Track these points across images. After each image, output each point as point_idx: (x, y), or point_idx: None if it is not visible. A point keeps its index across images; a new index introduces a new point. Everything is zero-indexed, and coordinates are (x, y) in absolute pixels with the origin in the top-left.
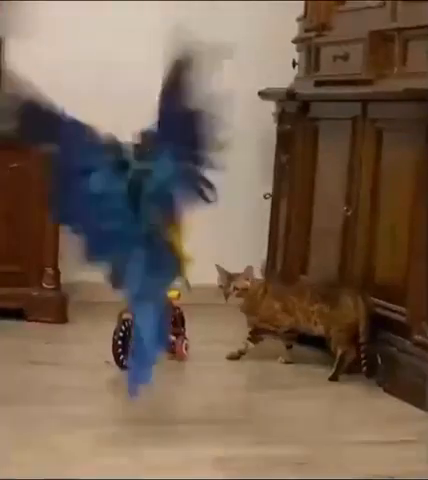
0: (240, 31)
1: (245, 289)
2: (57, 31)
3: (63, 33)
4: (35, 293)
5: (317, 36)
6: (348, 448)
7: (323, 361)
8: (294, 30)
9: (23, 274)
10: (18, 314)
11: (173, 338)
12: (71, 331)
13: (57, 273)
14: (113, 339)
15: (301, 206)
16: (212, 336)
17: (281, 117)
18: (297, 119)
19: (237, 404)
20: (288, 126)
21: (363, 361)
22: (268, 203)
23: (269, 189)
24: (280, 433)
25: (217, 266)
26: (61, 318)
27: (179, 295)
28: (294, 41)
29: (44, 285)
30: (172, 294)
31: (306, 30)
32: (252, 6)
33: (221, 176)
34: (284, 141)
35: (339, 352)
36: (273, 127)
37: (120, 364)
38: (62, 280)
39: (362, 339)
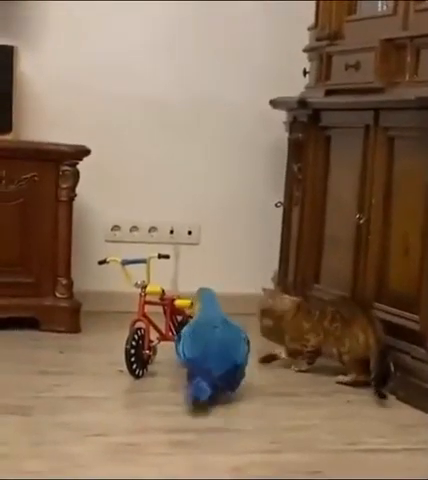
0: (252, 40)
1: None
2: (67, 38)
3: (73, 39)
4: (48, 303)
5: (329, 45)
6: (362, 456)
7: (337, 370)
8: (305, 39)
9: (36, 284)
10: (31, 324)
11: None
12: (84, 340)
13: (70, 283)
14: (126, 348)
15: (313, 214)
16: None
17: (292, 126)
18: (308, 128)
19: (251, 412)
20: (299, 135)
21: (376, 391)
22: (280, 211)
23: (280, 197)
24: (294, 441)
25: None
26: (74, 327)
27: (192, 304)
28: (305, 50)
29: (57, 295)
30: (184, 303)
31: (317, 39)
32: (263, 16)
33: (235, 183)
34: (295, 150)
35: (351, 377)
36: (284, 136)
37: (133, 373)
38: (75, 290)
39: (373, 375)
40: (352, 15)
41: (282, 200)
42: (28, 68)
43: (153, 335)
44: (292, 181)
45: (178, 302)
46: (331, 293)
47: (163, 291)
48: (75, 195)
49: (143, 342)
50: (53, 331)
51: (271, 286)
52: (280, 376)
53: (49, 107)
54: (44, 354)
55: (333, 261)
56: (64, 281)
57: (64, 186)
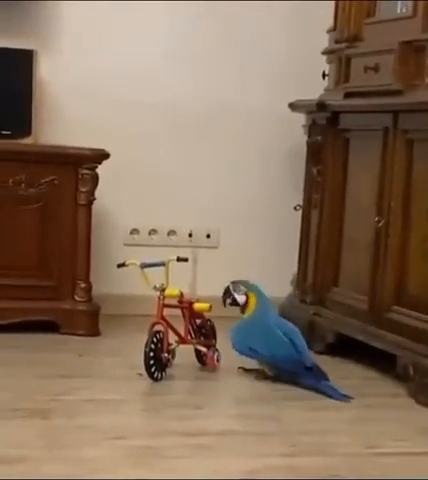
0: (270, 43)
1: None
2: (85, 42)
3: (92, 44)
4: (67, 306)
5: (348, 47)
6: (380, 460)
7: (354, 373)
8: (324, 42)
9: (56, 288)
10: (50, 327)
11: (204, 349)
12: (103, 344)
13: (89, 286)
14: (145, 351)
15: (332, 217)
16: None
17: (311, 129)
18: (327, 130)
19: (268, 415)
20: (318, 137)
21: None
22: (298, 214)
23: (299, 200)
24: (312, 444)
25: None
26: (93, 331)
27: (210, 307)
28: (324, 52)
29: (76, 298)
30: (203, 306)
31: (336, 41)
32: (282, 18)
33: (254, 186)
34: (314, 152)
35: None
36: (303, 139)
37: (151, 376)
38: (94, 293)
39: None
40: (371, 17)
41: (301, 203)
42: (47, 72)
43: (172, 338)
44: (311, 184)
45: (197, 306)
46: (350, 296)
47: (182, 294)
48: (94, 198)
49: (162, 345)
50: (72, 334)
51: (290, 289)
52: None
53: (68, 111)
54: (63, 357)
55: (352, 264)
56: (83, 284)
57: (83, 190)
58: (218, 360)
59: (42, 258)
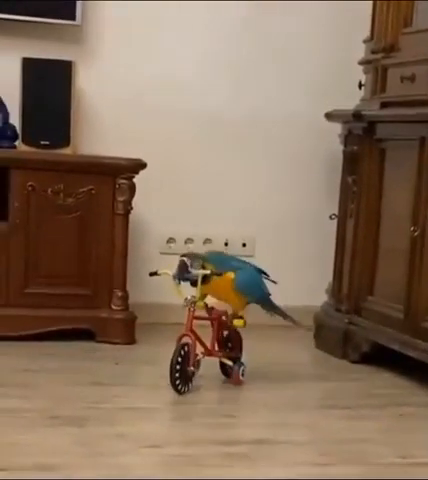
0: (307, 52)
1: None
2: (122, 52)
3: (129, 54)
4: (104, 315)
5: (384, 57)
6: (414, 470)
7: (388, 382)
8: (360, 52)
9: (92, 296)
10: (87, 335)
11: (230, 363)
12: (139, 352)
13: (125, 295)
14: (171, 364)
15: (367, 226)
16: (278, 356)
17: (347, 138)
18: (363, 140)
19: (301, 424)
20: (354, 147)
21: None
22: (334, 224)
23: (335, 210)
24: (345, 453)
25: None
26: (129, 339)
27: (244, 323)
28: (361, 63)
29: (113, 307)
30: (238, 323)
31: (373, 52)
32: (318, 28)
33: (290, 195)
34: (350, 162)
35: None
36: (339, 148)
37: (176, 388)
38: (130, 301)
39: None
40: (408, 27)
41: (336, 212)
42: (86, 83)
43: (198, 348)
44: (347, 193)
45: (236, 322)
46: (385, 305)
47: (211, 306)
48: (131, 208)
49: (188, 358)
50: (108, 343)
51: (325, 298)
52: (331, 388)
53: (105, 121)
54: (99, 365)
55: (387, 273)
56: (120, 293)
57: (121, 199)
58: (243, 375)
59: (79, 267)
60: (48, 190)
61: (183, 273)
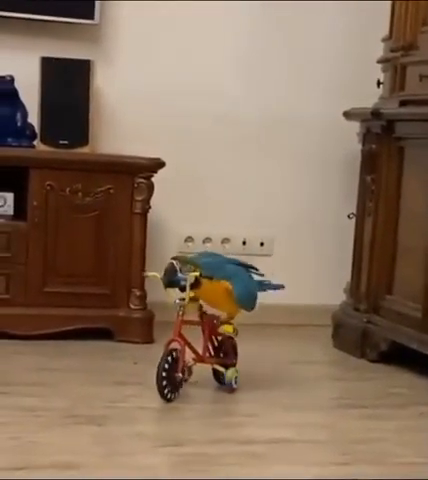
0: (325, 51)
1: None
2: (141, 52)
3: (147, 53)
4: (122, 314)
5: (403, 56)
6: None
7: (407, 381)
8: (379, 50)
9: (111, 295)
10: (105, 335)
11: (222, 370)
12: (157, 351)
13: (144, 294)
14: (157, 370)
15: (386, 225)
16: (296, 356)
17: (366, 137)
18: (382, 139)
19: (322, 423)
20: (373, 146)
21: None
22: (352, 223)
23: (353, 209)
24: (366, 453)
25: None
26: (147, 338)
27: (234, 330)
28: (379, 61)
29: (131, 306)
30: (227, 329)
31: (392, 50)
32: (337, 27)
33: (308, 194)
34: (369, 161)
35: None
36: (357, 147)
37: (163, 395)
38: (148, 300)
39: None
40: (427, 26)
41: (355, 211)
42: (104, 82)
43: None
44: (365, 192)
45: (223, 328)
46: (403, 304)
47: (203, 310)
48: (149, 207)
49: (177, 364)
50: (127, 342)
51: (343, 297)
52: (349, 388)
53: (124, 120)
54: (118, 365)
55: (406, 272)
56: (138, 292)
57: (139, 198)
58: (236, 382)
59: (98, 266)
60: (66, 189)
61: (171, 277)
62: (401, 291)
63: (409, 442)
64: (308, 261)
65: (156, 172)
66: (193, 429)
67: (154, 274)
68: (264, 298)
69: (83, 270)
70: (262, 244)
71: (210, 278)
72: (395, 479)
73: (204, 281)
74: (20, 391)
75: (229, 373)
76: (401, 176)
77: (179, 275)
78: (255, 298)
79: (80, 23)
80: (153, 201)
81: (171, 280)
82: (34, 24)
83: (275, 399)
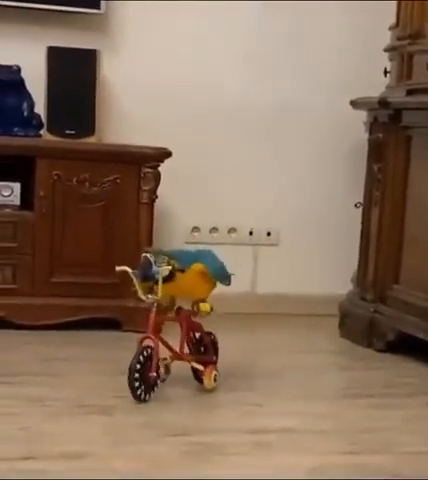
0: (331, 41)
1: None
2: (147, 42)
3: (153, 43)
4: (130, 304)
5: (410, 44)
6: None
7: (414, 371)
8: (386, 39)
9: (118, 285)
10: (113, 325)
11: (201, 367)
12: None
13: None
14: (129, 368)
15: (393, 214)
16: (303, 345)
17: (373, 126)
18: (389, 128)
19: (328, 413)
20: (380, 135)
21: None
22: (359, 212)
23: (360, 198)
24: (372, 442)
25: None
26: None
27: (211, 309)
28: (386, 50)
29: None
30: (205, 307)
31: (399, 38)
32: (343, 16)
33: (315, 184)
34: (376, 150)
35: None
36: (364, 137)
37: (135, 396)
38: None
39: None
40: None
41: (361, 201)
42: (110, 72)
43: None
44: (372, 181)
45: (203, 307)
46: (410, 293)
47: (178, 306)
48: (156, 197)
49: (150, 363)
50: (135, 332)
51: (350, 287)
52: (356, 377)
53: (130, 110)
54: (126, 355)
55: (413, 261)
56: None
57: (145, 188)
58: (215, 380)
59: (105, 256)
60: (73, 179)
61: (146, 271)
62: (408, 280)
63: (416, 431)
64: (315, 251)
65: (163, 162)
66: (201, 418)
67: (123, 268)
68: (271, 288)
69: (90, 260)
70: (269, 234)
71: (182, 271)
72: (402, 468)
73: (178, 274)
74: (28, 381)
75: (206, 381)
76: (408, 165)
77: (154, 268)
78: (227, 272)
79: (86, 13)
80: (160, 191)
81: (146, 274)
82: (41, 14)
83: (282, 388)
